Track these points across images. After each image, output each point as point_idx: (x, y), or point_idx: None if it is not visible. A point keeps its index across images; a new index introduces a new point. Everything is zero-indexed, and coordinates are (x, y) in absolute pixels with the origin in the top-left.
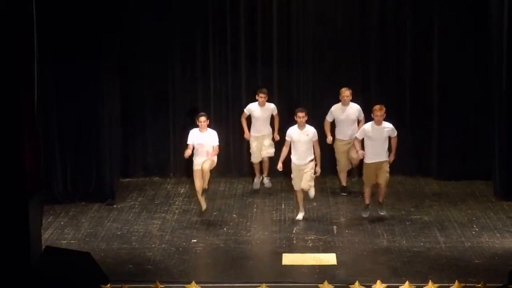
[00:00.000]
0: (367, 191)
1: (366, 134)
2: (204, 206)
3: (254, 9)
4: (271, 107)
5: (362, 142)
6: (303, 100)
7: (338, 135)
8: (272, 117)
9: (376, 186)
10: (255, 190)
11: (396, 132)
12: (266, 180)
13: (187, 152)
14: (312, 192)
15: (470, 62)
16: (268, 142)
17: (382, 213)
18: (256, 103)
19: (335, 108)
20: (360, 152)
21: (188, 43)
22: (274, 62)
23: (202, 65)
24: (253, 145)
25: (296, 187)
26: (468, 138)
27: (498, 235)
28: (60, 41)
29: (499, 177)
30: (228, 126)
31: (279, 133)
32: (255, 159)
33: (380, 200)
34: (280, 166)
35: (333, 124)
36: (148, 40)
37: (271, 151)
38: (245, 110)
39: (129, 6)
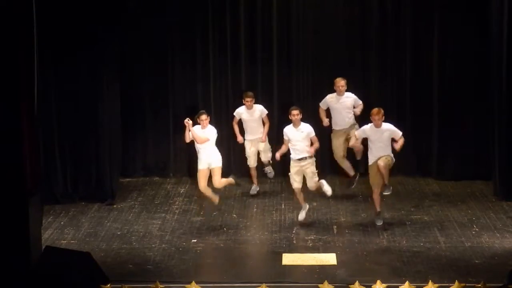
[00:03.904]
0: (376, 197)
1: (366, 134)
2: (216, 199)
3: (254, 9)
4: (259, 108)
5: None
6: (303, 99)
7: (334, 126)
8: (263, 121)
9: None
10: (252, 195)
11: (400, 132)
12: (268, 169)
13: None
14: (328, 189)
15: (470, 62)
16: (263, 146)
17: (386, 193)
18: (244, 106)
19: (330, 97)
20: (352, 143)
21: (188, 43)
22: (274, 62)
23: (202, 65)
24: (248, 149)
25: (294, 185)
26: (468, 138)
27: (498, 235)
28: (60, 41)
29: (499, 177)
30: (228, 126)
31: (269, 135)
32: (251, 163)
33: (385, 181)
34: (278, 156)
35: (329, 114)
36: (148, 39)
37: (269, 155)
38: (235, 114)
39: (129, 5)
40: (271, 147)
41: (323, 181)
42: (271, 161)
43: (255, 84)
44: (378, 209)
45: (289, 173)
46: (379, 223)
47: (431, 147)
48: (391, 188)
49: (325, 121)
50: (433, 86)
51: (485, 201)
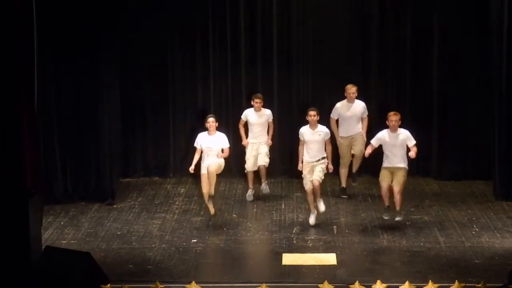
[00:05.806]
0: (384, 193)
1: (381, 141)
2: (212, 210)
3: (254, 9)
4: (267, 113)
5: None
6: (303, 99)
7: (341, 133)
8: (268, 124)
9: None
10: (249, 201)
11: (414, 141)
12: (264, 186)
13: (193, 165)
14: (322, 206)
15: (470, 62)
16: (265, 150)
17: (397, 219)
18: (252, 108)
19: (341, 105)
20: (368, 151)
21: (188, 43)
22: (274, 62)
23: (202, 65)
24: (249, 152)
25: (307, 187)
26: (468, 138)
27: (498, 235)
28: (60, 41)
29: (499, 177)
30: (228, 126)
31: (273, 139)
32: (249, 167)
33: (397, 208)
34: (300, 166)
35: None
36: (148, 40)
37: (267, 160)
38: (242, 116)
39: (129, 6)
40: (273, 151)
41: (321, 201)
42: (267, 165)
43: (255, 84)
44: (386, 204)
45: (303, 175)
46: (386, 217)
47: (431, 147)
48: (401, 215)
49: (339, 140)
50: (433, 86)
51: (485, 201)
